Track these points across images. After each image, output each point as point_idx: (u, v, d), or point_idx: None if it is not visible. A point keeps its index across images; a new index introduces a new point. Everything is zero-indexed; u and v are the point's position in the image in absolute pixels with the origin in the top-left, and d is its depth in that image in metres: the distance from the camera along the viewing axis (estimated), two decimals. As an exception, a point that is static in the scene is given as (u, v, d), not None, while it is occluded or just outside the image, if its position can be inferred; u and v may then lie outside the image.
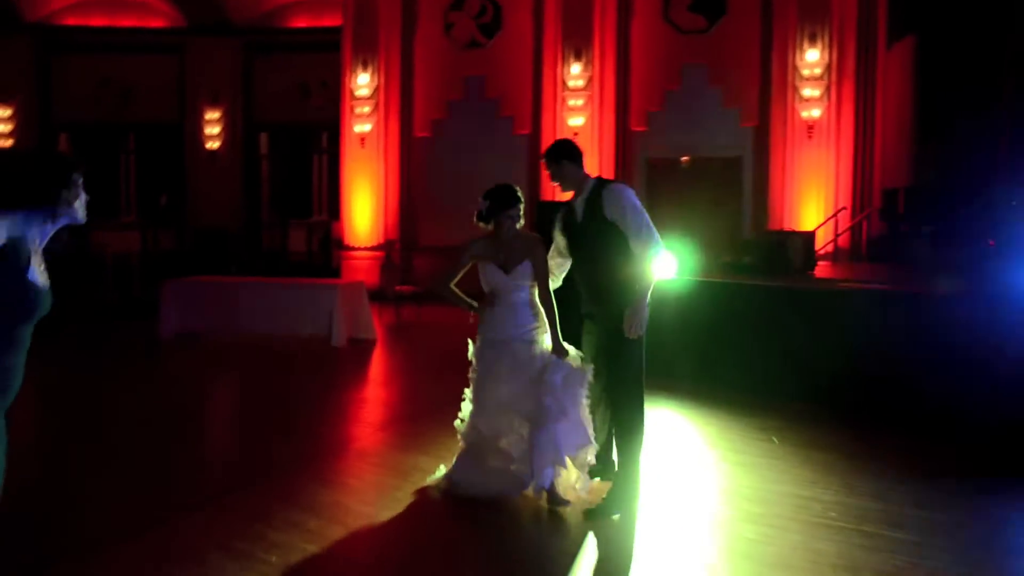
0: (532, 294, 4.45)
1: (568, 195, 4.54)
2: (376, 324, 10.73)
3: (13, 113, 18.68)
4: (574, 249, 4.46)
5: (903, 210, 12.30)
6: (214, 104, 18.70)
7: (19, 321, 2.50)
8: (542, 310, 4.44)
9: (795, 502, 4.48)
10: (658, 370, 4.53)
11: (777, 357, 7.02)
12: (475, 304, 4.53)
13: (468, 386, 4.58)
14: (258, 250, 18.74)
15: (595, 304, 4.40)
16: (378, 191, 16.01)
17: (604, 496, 4.31)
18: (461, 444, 4.58)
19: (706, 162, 14.86)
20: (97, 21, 18.73)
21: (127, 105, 18.87)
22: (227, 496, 4.55)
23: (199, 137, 18.81)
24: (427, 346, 10.54)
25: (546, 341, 4.43)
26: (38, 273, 2.53)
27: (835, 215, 13.65)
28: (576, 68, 14.88)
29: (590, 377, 4.32)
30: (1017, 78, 12.03)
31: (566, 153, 4.44)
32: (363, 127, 15.98)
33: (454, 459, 4.61)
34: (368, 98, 15.96)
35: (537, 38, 15.47)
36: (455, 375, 7.25)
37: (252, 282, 10.86)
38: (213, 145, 18.81)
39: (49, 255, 2.62)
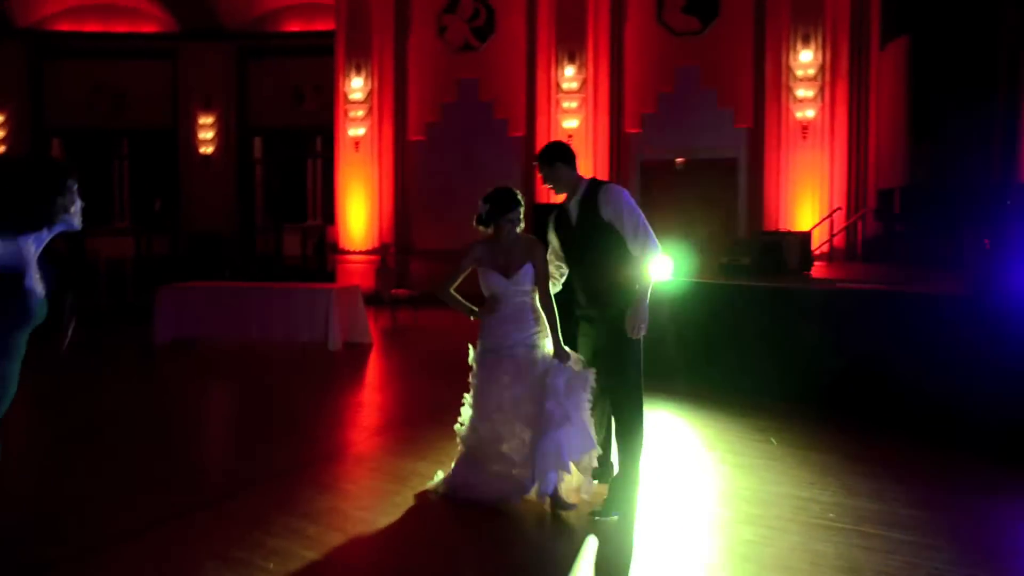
0: (533, 298, 4.42)
1: (560, 198, 4.53)
2: (372, 328, 10.71)
3: (5, 119, 18.63)
4: (569, 251, 4.45)
5: (898, 210, 12.32)
6: (207, 109, 18.67)
7: (15, 328, 2.48)
8: (543, 314, 4.41)
9: (794, 503, 4.47)
10: (656, 372, 4.53)
11: (774, 358, 7.02)
12: (476, 309, 4.50)
13: (467, 390, 4.55)
14: (252, 255, 18.71)
15: (593, 306, 4.38)
16: (372, 195, 15.99)
17: (606, 497, 4.30)
18: (461, 448, 4.54)
19: (701, 164, 14.87)
20: (90, 26, 18.70)
21: (120, 110, 18.84)
22: (224, 503, 4.52)
23: (193, 142, 18.79)
24: (423, 350, 10.52)
25: (547, 345, 4.39)
26: (35, 281, 2.51)
27: (830, 215, 13.67)
28: (570, 71, 14.89)
29: (592, 381, 4.29)
30: (1010, 77, 12.06)
31: (560, 155, 4.42)
32: (357, 131, 15.97)
33: (453, 464, 4.59)
34: (362, 102, 15.95)
35: (530, 41, 15.48)
36: (452, 379, 7.24)
37: (247, 287, 10.83)
38: (207, 150, 18.79)
39: (44, 262, 2.60)
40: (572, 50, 14.89)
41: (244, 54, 18.71)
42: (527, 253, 4.39)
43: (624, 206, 4.26)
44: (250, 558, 3.73)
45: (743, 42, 14.57)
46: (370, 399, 7.94)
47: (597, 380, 4.33)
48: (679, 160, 14.95)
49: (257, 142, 19.35)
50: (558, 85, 15.00)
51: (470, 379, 4.51)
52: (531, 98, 15.43)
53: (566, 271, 4.58)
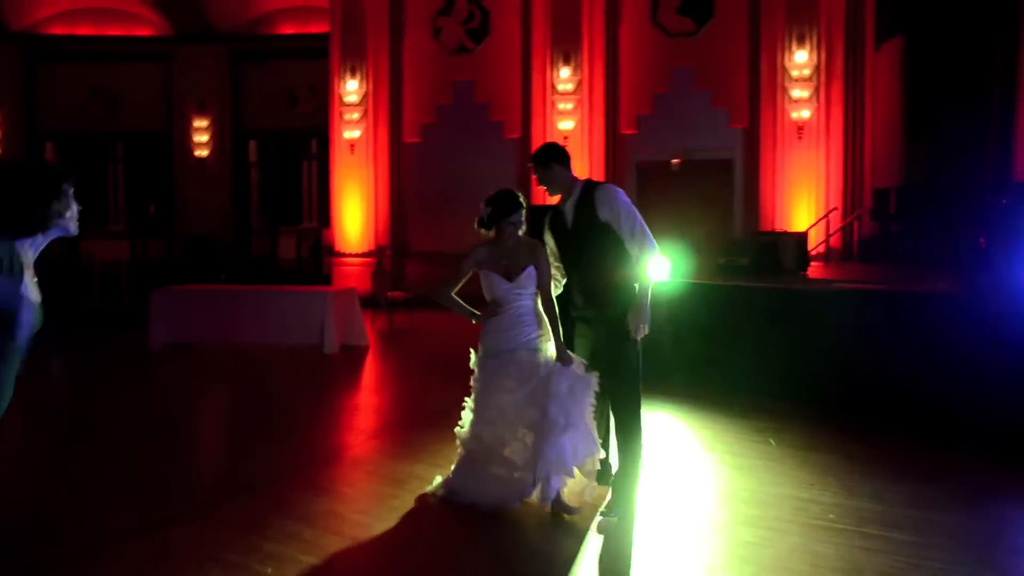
0: (535, 302, 4.37)
1: (555, 199, 4.51)
2: (368, 331, 10.68)
3: (-1, 123, 18.59)
4: (565, 253, 4.43)
5: (894, 210, 12.33)
6: (202, 112, 18.64)
7: (11, 335, 2.45)
8: (545, 317, 4.37)
9: (794, 504, 4.45)
10: (653, 372, 4.51)
11: (772, 358, 7.01)
12: (477, 313, 4.46)
13: (465, 393, 4.52)
14: (248, 258, 18.67)
15: (591, 307, 4.35)
16: (368, 197, 15.96)
17: (609, 498, 4.29)
18: (461, 451, 4.50)
19: (696, 164, 14.86)
20: (83, 30, 18.65)
21: (114, 114, 18.80)
22: (219, 506, 4.49)
23: (187, 145, 18.75)
24: (420, 352, 10.49)
25: (550, 348, 4.34)
26: (30, 287, 2.48)
27: (826, 216, 13.67)
28: (565, 72, 14.88)
29: (595, 386, 4.25)
30: (1005, 77, 12.08)
31: (555, 156, 4.41)
32: (352, 133, 15.93)
33: (453, 466, 4.55)
34: (357, 104, 15.92)
35: (525, 43, 15.47)
36: (448, 382, 7.21)
37: (243, 290, 10.80)
38: (201, 153, 18.75)
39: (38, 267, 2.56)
40: (567, 51, 14.88)
41: (238, 57, 18.68)
42: (530, 256, 4.34)
43: (621, 206, 4.25)
44: (246, 562, 3.70)
45: (738, 43, 14.57)
46: (367, 402, 7.91)
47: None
48: (675, 161, 14.94)
49: (252, 145, 19.31)
50: (553, 87, 14.98)
51: (471, 383, 4.46)
52: (526, 100, 15.41)
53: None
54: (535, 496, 4.18)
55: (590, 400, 4.23)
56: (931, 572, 3.60)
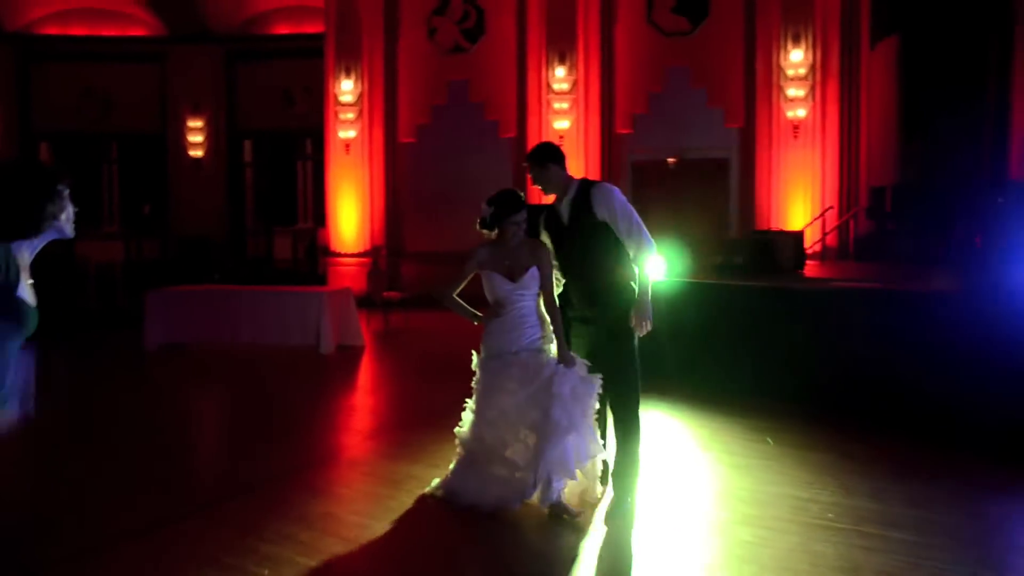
0: (537, 302, 4.34)
1: (550, 198, 4.50)
2: (364, 331, 10.65)
3: (-7, 123, 18.51)
4: (562, 252, 4.41)
5: (890, 208, 12.33)
6: (196, 112, 18.58)
7: (6, 338, 2.43)
8: (547, 318, 4.34)
9: (792, 504, 4.44)
10: (649, 372, 4.49)
11: (769, 358, 6.99)
12: (479, 314, 4.42)
13: (461, 393, 4.50)
14: (243, 258, 18.62)
15: (589, 306, 4.34)
16: (364, 197, 15.93)
17: (612, 498, 4.30)
18: (460, 451, 4.47)
19: (692, 163, 14.86)
20: (77, 30, 18.58)
21: (109, 114, 18.74)
22: (216, 508, 4.46)
23: (182, 145, 18.70)
24: (416, 353, 10.47)
25: (552, 348, 4.31)
26: (26, 289, 2.45)
27: (822, 214, 13.68)
28: (560, 71, 14.86)
29: (599, 388, 4.22)
30: (1000, 75, 12.09)
31: (551, 155, 4.41)
32: (347, 133, 15.90)
33: (451, 467, 4.52)
34: (352, 104, 15.88)
35: (521, 42, 15.45)
36: (445, 382, 7.18)
37: (238, 291, 10.76)
38: (196, 153, 18.70)
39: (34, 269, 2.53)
40: (563, 51, 14.86)
41: (233, 57, 18.63)
42: (532, 256, 4.30)
43: (617, 204, 4.27)
44: (243, 564, 3.68)
45: (733, 42, 14.56)
46: (363, 402, 7.89)
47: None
48: (670, 160, 14.94)
49: (247, 145, 19.26)
50: (549, 86, 14.96)
51: (473, 384, 4.42)
52: (522, 99, 15.39)
53: None
54: (535, 497, 4.15)
55: (593, 402, 4.20)
56: (930, 571, 3.59)
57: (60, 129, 18.78)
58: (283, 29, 18.44)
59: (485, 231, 4.38)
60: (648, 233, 4.30)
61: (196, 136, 18.66)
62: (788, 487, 4.73)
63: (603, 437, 4.43)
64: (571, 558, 3.80)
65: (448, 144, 15.71)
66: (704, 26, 14.75)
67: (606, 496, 4.37)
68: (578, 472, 4.18)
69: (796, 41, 13.79)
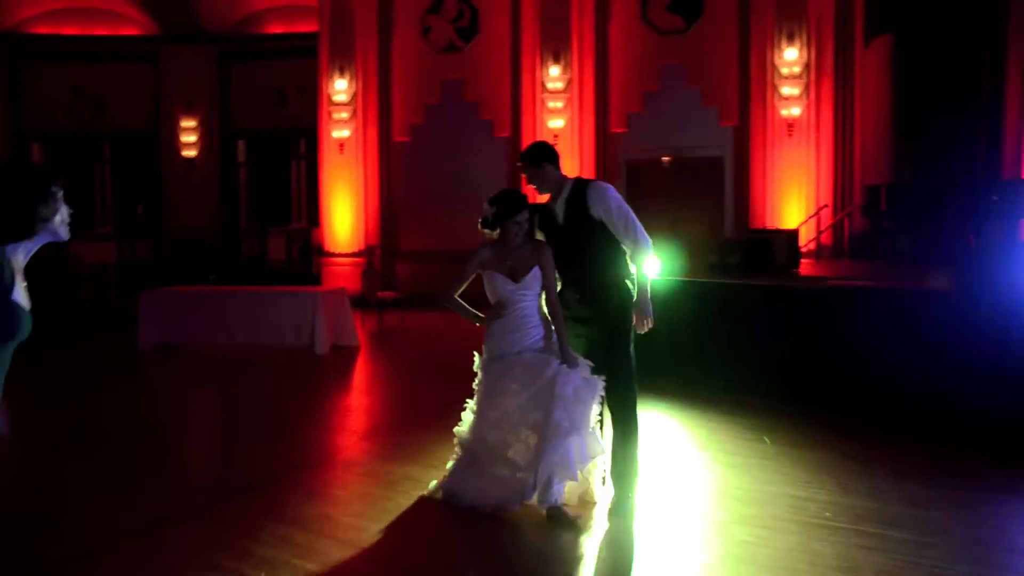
0: (540, 302, 4.31)
1: (544, 197, 4.48)
2: (359, 331, 10.62)
3: (-16, 124, 18.41)
4: (558, 251, 4.39)
5: (885, 207, 12.35)
6: (190, 112, 18.51)
7: (1, 343, 2.40)
8: (549, 318, 4.30)
9: (790, 503, 4.43)
10: (644, 371, 4.48)
11: (765, 356, 6.98)
12: (481, 316, 4.38)
13: (459, 393, 4.47)
14: (237, 258, 18.56)
15: (587, 305, 4.33)
16: (358, 197, 15.89)
17: (613, 497, 4.29)
18: (459, 452, 4.41)
19: (687, 162, 14.86)
20: (69, 30, 18.49)
21: (101, 114, 18.65)
22: (211, 510, 4.44)
23: (175, 145, 18.62)
24: (411, 353, 10.45)
25: (554, 347, 4.26)
26: (21, 293, 2.42)
27: (817, 213, 13.69)
28: (555, 70, 14.84)
29: (601, 389, 4.19)
30: (994, 74, 12.12)
31: (546, 155, 4.41)
32: (341, 133, 15.86)
33: (450, 468, 4.46)
34: (346, 103, 15.84)
35: (515, 41, 15.42)
36: (440, 382, 7.17)
37: (232, 291, 10.73)
38: (190, 153, 18.63)
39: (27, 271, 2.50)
40: (557, 50, 14.84)
41: (226, 57, 18.56)
42: (535, 256, 4.26)
43: (613, 203, 4.28)
44: (239, 567, 3.65)
45: (728, 40, 14.56)
46: (358, 403, 7.87)
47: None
48: (665, 159, 14.94)
49: (240, 145, 19.19)
50: (543, 85, 14.94)
51: (475, 385, 4.37)
52: (516, 98, 15.37)
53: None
54: (534, 499, 4.10)
55: (595, 403, 4.18)
56: (929, 571, 3.58)
57: (52, 129, 18.69)
58: (276, 28, 18.38)
59: (487, 231, 4.33)
60: (644, 231, 4.29)
61: (189, 136, 18.60)
62: (786, 486, 4.72)
63: (602, 437, 4.42)
64: (571, 558, 3.79)
65: (442, 143, 15.68)
66: (699, 24, 14.74)
67: (606, 496, 4.35)
68: (579, 473, 4.16)
69: (790, 39, 13.80)
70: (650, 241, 4.31)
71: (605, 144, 15.12)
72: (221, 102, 18.68)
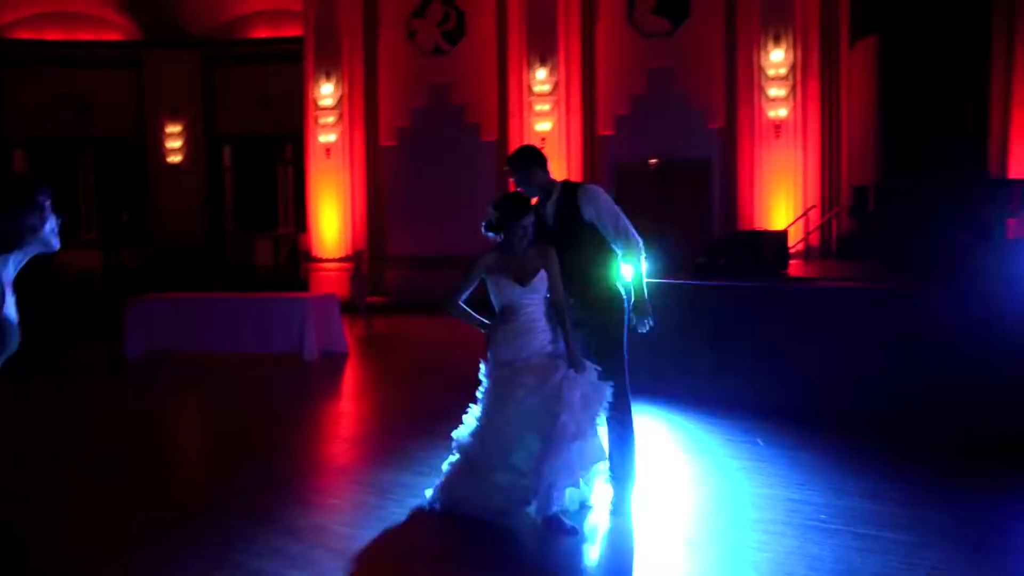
0: (545, 306, 4.25)
1: (532, 201, 4.46)
2: (347, 337, 10.55)
3: (-35, 131, 18.24)
4: None
5: (872, 207, 12.39)
6: (174, 117, 18.40)
7: None
8: (555, 323, 4.24)
9: (786, 506, 4.41)
10: (634, 375, 4.45)
11: (756, 357, 6.97)
12: (486, 322, 4.30)
13: (451, 398, 4.44)
14: (224, 264, 18.46)
15: (579, 308, 4.30)
16: (345, 201, 15.82)
17: (612, 498, 4.29)
18: (458, 459, 4.31)
19: (674, 165, 14.85)
20: (51, 35, 18.34)
21: (85, 120, 18.51)
22: (201, 521, 4.37)
23: (160, 151, 18.51)
24: (400, 358, 10.40)
25: (561, 352, 4.20)
26: (10, 307, 2.37)
27: (805, 214, 13.72)
28: (541, 73, 14.82)
29: (608, 395, 4.15)
30: (978, 75, 12.20)
31: (534, 158, 4.42)
32: (328, 137, 15.79)
33: (446, 474, 4.34)
34: (332, 108, 15.77)
35: (501, 44, 15.39)
36: (431, 387, 7.12)
37: (219, 298, 10.64)
38: (175, 159, 18.52)
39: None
40: (543, 53, 14.82)
41: (211, 61, 18.46)
42: (540, 260, 4.20)
43: (604, 205, 4.29)
44: (232, 580, 3.60)
45: (714, 43, 14.57)
46: (349, 409, 7.82)
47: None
48: (652, 161, 14.94)
49: (226, 150, 19.09)
50: (530, 88, 14.92)
51: (479, 393, 4.29)
52: (503, 101, 15.33)
53: None
54: (534, 508, 4.03)
55: (601, 408, 4.13)
56: (926, 572, 3.57)
57: (35, 135, 18.54)
58: (261, 33, 18.30)
59: (490, 235, 4.27)
60: (635, 232, 4.31)
61: (174, 141, 18.48)
62: (781, 488, 4.71)
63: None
64: (568, 563, 3.75)
65: (429, 147, 15.62)
66: (685, 27, 14.75)
67: (604, 498, 4.32)
68: (580, 480, 4.13)
69: (777, 41, 13.82)
70: (641, 242, 4.31)
71: (593, 147, 15.10)
72: (206, 107, 18.57)
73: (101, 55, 18.38)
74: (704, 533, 4.10)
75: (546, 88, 14.83)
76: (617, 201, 4.42)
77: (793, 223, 13.40)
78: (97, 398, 8.15)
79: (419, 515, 4.34)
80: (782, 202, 13.89)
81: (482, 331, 4.33)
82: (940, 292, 6.46)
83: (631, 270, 4.32)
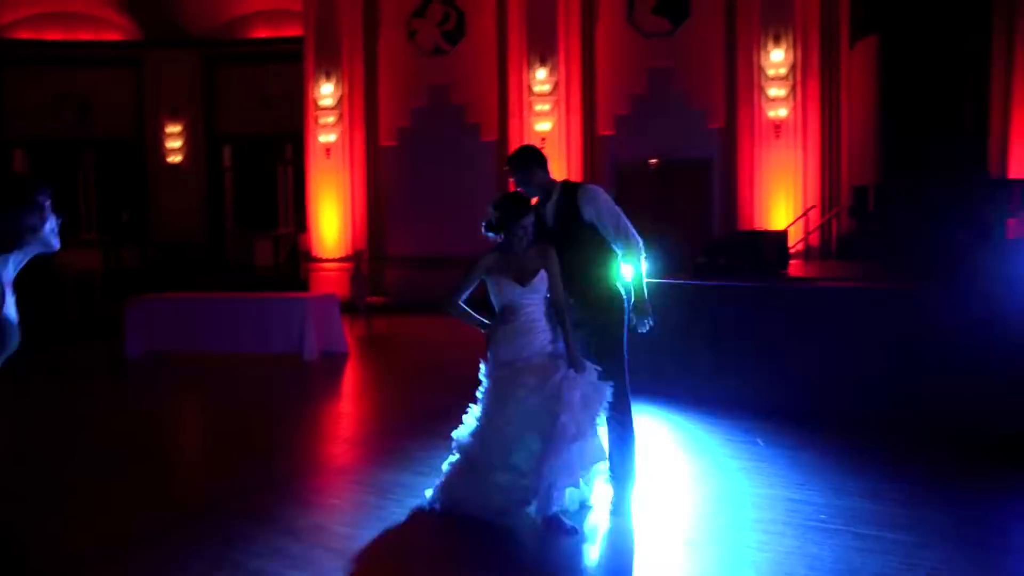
0: (545, 306, 4.25)
1: (532, 201, 4.46)
2: (347, 337, 10.55)
3: (-35, 131, 18.24)
4: None
5: (872, 207, 12.39)
6: (174, 117, 18.40)
7: None
8: (555, 323, 4.24)
9: (786, 506, 4.41)
10: (635, 374, 4.45)
11: (755, 357, 6.97)
12: (486, 322, 4.30)
13: (450, 398, 4.43)
14: (224, 264, 18.46)
15: (579, 308, 4.30)
16: (345, 201, 15.82)
17: (612, 498, 4.28)
18: (458, 459, 4.31)
19: (674, 164, 14.85)
20: (51, 35, 18.34)
21: (85, 120, 18.51)
22: (201, 521, 4.37)
23: (160, 151, 18.51)
24: (400, 358, 10.39)
25: (561, 352, 4.20)
26: (10, 307, 2.37)
27: (805, 214, 13.71)
28: (541, 73, 14.82)
29: (609, 396, 4.15)
30: (978, 75, 12.19)
31: (534, 159, 4.42)
32: (328, 137, 15.79)
33: (446, 474, 4.34)
34: (332, 108, 15.77)
35: (501, 44, 15.39)
36: (430, 387, 7.12)
37: (219, 298, 10.64)
38: (175, 159, 18.52)
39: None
40: (543, 53, 14.82)
41: (211, 61, 18.46)
42: (541, 260, 4.20)
43: (604, 205, 4.29)
44: (232, 580, 3.60)
45: (714, 42, 14.57)
46: (349, 409, 7.82)
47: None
48: (653, 161, 14.94)
49: (226, 150, 19.10)
50: (530, 88, 14.91)
51: (479, 393, 4.30)
52: (503, 101, 15.33)
53: None
54: (533, 508, 4.04)
55: (601, 408, 4.13)
56: (927, 573, 3.57)
57: (35, 135, 18.54)
58: (262, 33, 18.30)
59: (490, 235, 4.27)
60: (635, 232, 4.31)
61: (174, 141, 18.48)
62: (781, 488, 4.71)
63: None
64: (568, 563, 3.75)
65: (429, 147, 15.62)
66: (685, 27, 14.75)
67: (604, 498, 4.32)
68: (580, 481, 4.13)
69: (777, 41, 13.82)
70: (641, 242, 4.31)
71: (593, 147, 15.10)
72: (206, 107, 18.57)
73: (101, 55, 18.38)
74: (704, 533, 4.10)
75: (546, 88, 14.83)
76: (617, 201, 4.42)
77: (793, 223, 13.40)
78: (97, 398, 8.15)
79: (419, 515, 4.34)
80: (782, 202, 13.89)
81: (482, 331, 4.33)
82: (940, 292, 6.46)
83: (631, 270, 4.32)
